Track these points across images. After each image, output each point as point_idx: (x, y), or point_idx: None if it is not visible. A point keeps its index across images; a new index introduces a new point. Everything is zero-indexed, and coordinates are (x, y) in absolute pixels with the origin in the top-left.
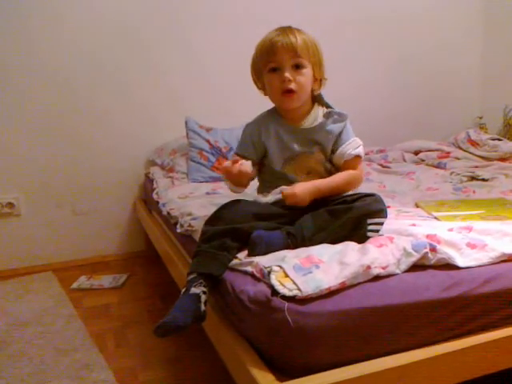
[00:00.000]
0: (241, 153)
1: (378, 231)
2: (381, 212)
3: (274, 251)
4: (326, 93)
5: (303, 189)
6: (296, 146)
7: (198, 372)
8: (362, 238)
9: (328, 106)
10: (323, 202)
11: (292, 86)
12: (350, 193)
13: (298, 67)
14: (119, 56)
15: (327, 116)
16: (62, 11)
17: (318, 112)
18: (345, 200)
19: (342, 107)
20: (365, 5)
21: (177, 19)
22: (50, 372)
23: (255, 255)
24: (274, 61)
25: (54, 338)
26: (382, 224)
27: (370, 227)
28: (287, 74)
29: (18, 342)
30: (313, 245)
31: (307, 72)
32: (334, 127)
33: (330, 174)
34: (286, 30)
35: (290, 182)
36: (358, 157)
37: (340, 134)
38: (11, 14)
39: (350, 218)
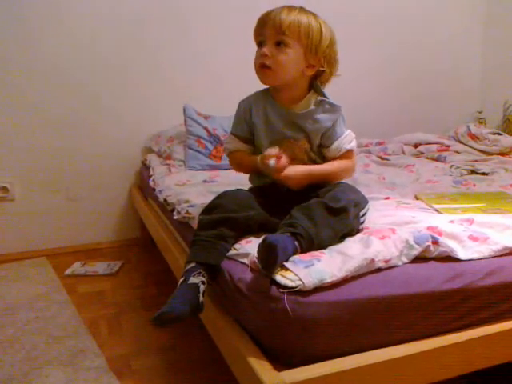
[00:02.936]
0: (236, 133)
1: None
2: (365, 200)
3: (288, 258)
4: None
5: (296, 172)
6: (282, 130)
7: (191, 360)
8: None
9: (324, 96)
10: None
11: (267, 61)
12: None
13: (279, 44)
14: (116, 43)
15: (318, 104)
16: (62, 2)
17: (311, 100)
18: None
19: (343, 100)
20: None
21: (175, 6)
22: (43, 358)
23: (273, 265)
24: (261, 34)
25: (47, 325)
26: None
27: (362, 219)
28: (265, 49)
29: (10, 328)
30: (323, 247)
31: (291, 52)
32: (324, 117)
33: (313, 163)
34: (285, 8)
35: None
36: (351, 150)
37: (333, 126)
38: (12, 7)
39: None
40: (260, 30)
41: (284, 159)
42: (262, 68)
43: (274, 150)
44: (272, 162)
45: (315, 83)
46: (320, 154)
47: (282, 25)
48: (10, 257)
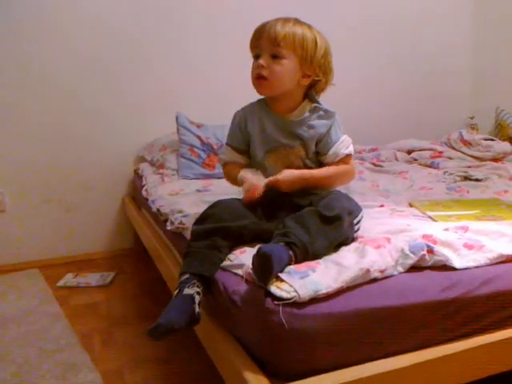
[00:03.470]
0: (231, 144)
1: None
2: (358, 207)
3: (283, 269)
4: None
5: (287, 176)
6: (278, 138)
7: (186, 374)
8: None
9: (318, 103)
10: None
11: (264, 72)
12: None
13: (275, 57)
14: (109, 52)
15: (312, 111)
16: (57, 10)
17: (306, 107)
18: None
19: (335, 107)
20: (359, 6)
21: (168, 15)
22: (35, 373)
23: (268, 276)
24: (256, 46)
25: (39, 338)
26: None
27: (356, 227)
28: (261, 61)
29: (1, 342)
30: (317, 256)
31: (287, 63)
32: (319, 124)
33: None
34: (280, 20)
35: (269, 174)
36: (349, 155)
37: (329, 132)
38: (8, 13)
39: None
40: (256, 42)
41: (260, 191)
42: (259, 79)
43: (259, 178)
44: (247, 185)
45: (310, 92)
46: (316, 160)
47: (277, 37)
48: (1, 268)
